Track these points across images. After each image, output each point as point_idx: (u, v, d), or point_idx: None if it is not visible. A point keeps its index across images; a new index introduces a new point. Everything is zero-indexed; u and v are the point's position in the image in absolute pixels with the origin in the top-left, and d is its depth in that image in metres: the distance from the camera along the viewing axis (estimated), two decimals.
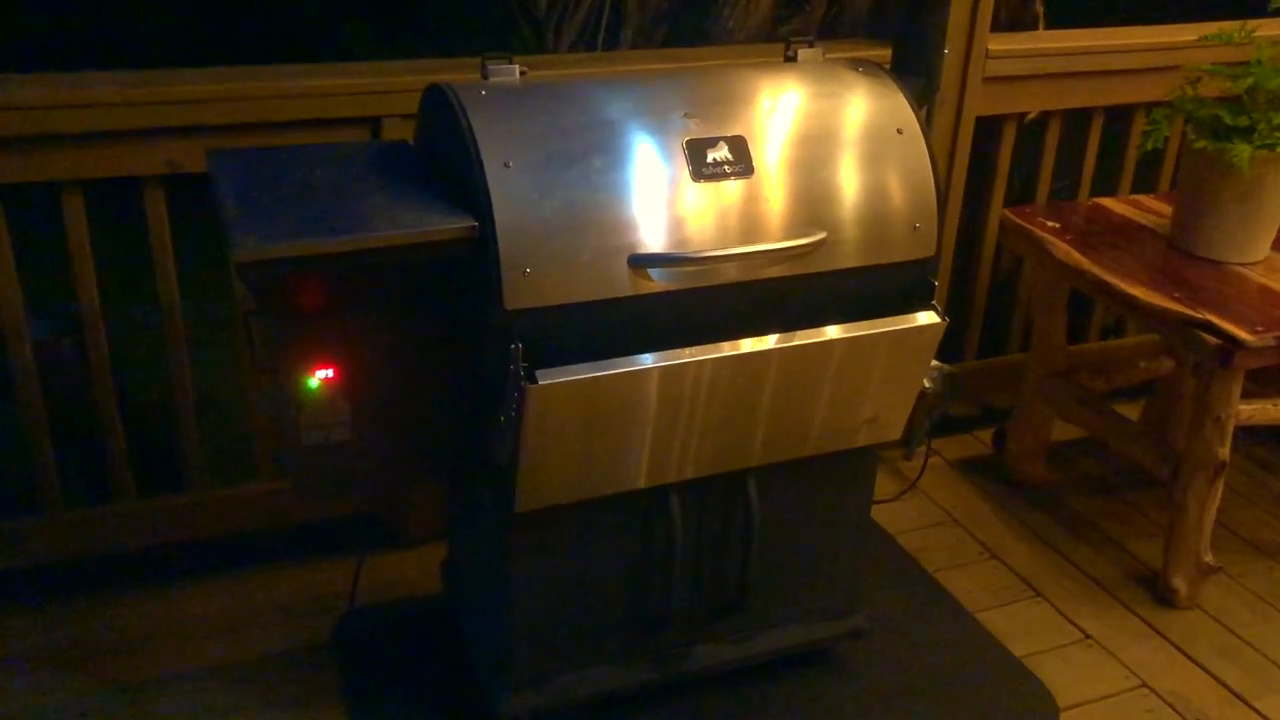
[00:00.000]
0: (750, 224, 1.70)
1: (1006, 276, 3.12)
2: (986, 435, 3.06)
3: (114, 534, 2.33)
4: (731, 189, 1.69)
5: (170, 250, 2.20)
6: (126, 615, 2.30)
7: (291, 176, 1.67)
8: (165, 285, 2.20)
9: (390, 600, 2.37)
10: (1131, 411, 2.98)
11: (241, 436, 2.44)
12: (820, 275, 1.75)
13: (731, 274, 1.69)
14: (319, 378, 1.67)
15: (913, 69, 1.99)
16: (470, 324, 1.70)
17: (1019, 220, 2.69)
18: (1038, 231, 2.63)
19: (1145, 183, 3.09)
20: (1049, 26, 2.96)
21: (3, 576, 2.28)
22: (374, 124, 2.18)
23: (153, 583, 2.37)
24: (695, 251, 1.66)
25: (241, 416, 2.42)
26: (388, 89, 2.17)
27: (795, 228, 1.71)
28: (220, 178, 1.64)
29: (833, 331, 1.77)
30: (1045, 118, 2.91)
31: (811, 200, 1.73)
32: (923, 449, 2.91)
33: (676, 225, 1.66)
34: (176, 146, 2.08)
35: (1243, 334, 2.18)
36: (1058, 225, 2.66)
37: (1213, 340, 2.21)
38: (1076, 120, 2.96)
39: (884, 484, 2.81)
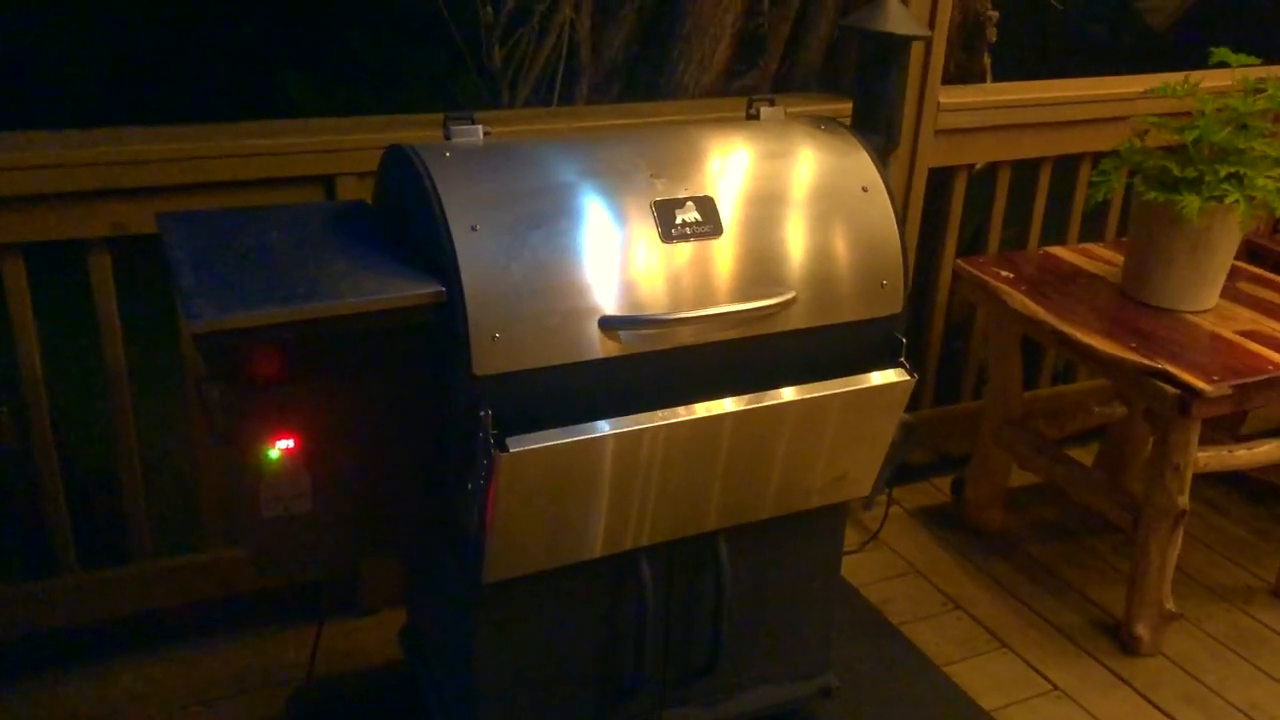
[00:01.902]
0: (719, 284, 1.68)
1: (958, 324, 3.14)
2: (944, 483, 3.06)
3: (56, 609, 2.23)
4: (701, 250, 1.67)
5: (116, 315, 2.12)
6: (72, 696, 2.20)
7: (247, 240, 1.62)
8: (111, 352, 2.13)
9: (348, 670, 2.30)
10: (1084, 455, 3.01)
11: (189, 503, 2.36)
12: (789, 334, 1.74)
13: (700, 335, 1.67)
14: (279, 448, 1.61)
15: (873, 125, 1.99)
16: (435, 390, 1.66)
17: (973, 270, 2.71)
18: (992, 281, 2.65)
19: (1093, 230, 3.14)
20: (995, 79, 3.00)
21: None
22: (328, 182, 2.14)
23: (98, 660, 2.27)
24: (666, 313, 1.64)
25: (190, 481, 2.34)
26: (342, 147, 2.13)
27: (765, 287, 1.70)
28: (173, 243, 1.59)
29: (805, 390, 1.75)
30: (993, 168, 2.95)
31: (780, 259, 1.72)
32: (883, 499, 2.90)
33: (647, 287, 1.63)
34: (123, 208, 2.02)
35: (1200, 383, 2.21)
36: (1011, 275, 2.68)
37: (1171, 390, 2.24)
38: (1024, 170, 3.00)
39: (846, 536, 2.78)
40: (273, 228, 1.67)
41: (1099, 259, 2.82)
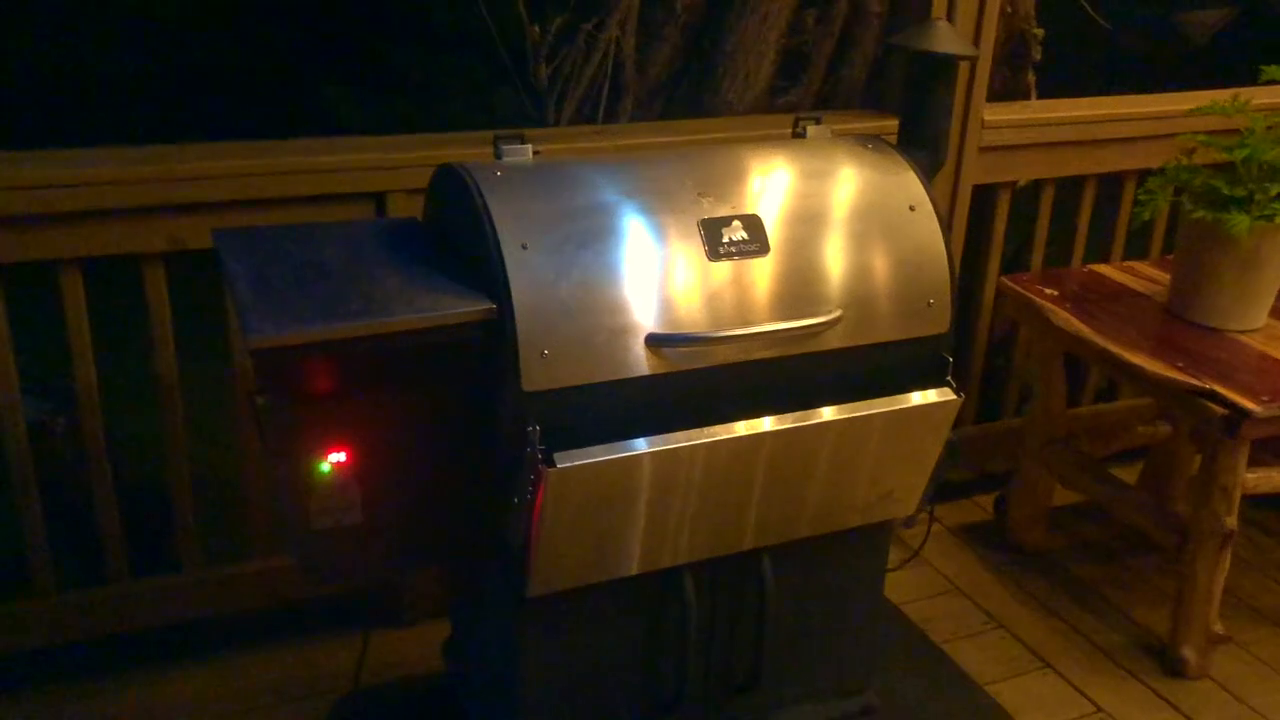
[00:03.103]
0: (766, 302, 1.69)
1: (1000, 341, 3.13)
2: (986, 500, 3.05)
3: (109, 617, 2.27)
4: (747, 268, 1.68)
5: (169, 328, 2.16)
6: (122, 701, 2.24)
7: (302, 256, 1.65)
8: (164, 364, 2.17)
9: (390, 680, 2.32)
10: (1128, 474, 2.98)
11: (238, 513, 2.40)
12: (835, 352, 1.74)
13: (748, 353, 1.68)
14: (331, 462, 1.64)
15: (919, 143, 2.00)
16: (484, 405, 1.68)
17: (1016, 287, 2.70)
18: (1036, 299, 2.64)
19: (1137, 248, 3.12)
20: (1039, 96, 2.99)
21: None
22: (379, 199, 2.17)
23: (149, 666, 2.31)
24: (712, 331, 1.65)
25: (238, 492, 2.37)
26: (393, 165, 2.16)
27: (811, 306, 1.71)
28: (230, 258, 1.62)
29: (847, 410, 1.76)
30: (1037, 185, 2.94)
31: (826, 278, 1.73)
32: (924, 516, 2.89)
33: (693, 305, 1.65)
34: (178, 223, 2.06)
35: (1249, 404, 2.19)
36: (1055, 292, 2.67)
37: (1219, 410, 2.22)
38: (1068, 187, 2.98)
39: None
40: (326, 244, 1.70)
41: (1144, 277, 2.80)
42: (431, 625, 2.43)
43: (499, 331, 1.56)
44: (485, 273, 1.58)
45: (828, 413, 1.75)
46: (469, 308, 1.55)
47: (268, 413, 1.66)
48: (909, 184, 1.82)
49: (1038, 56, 2.92)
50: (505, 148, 1.70)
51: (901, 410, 1.79)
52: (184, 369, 2.22)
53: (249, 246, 1.67)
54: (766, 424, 1.71)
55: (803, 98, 2.72)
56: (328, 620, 2.42)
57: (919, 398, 1.81)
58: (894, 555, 2.79)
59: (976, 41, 2.58)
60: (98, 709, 2.21)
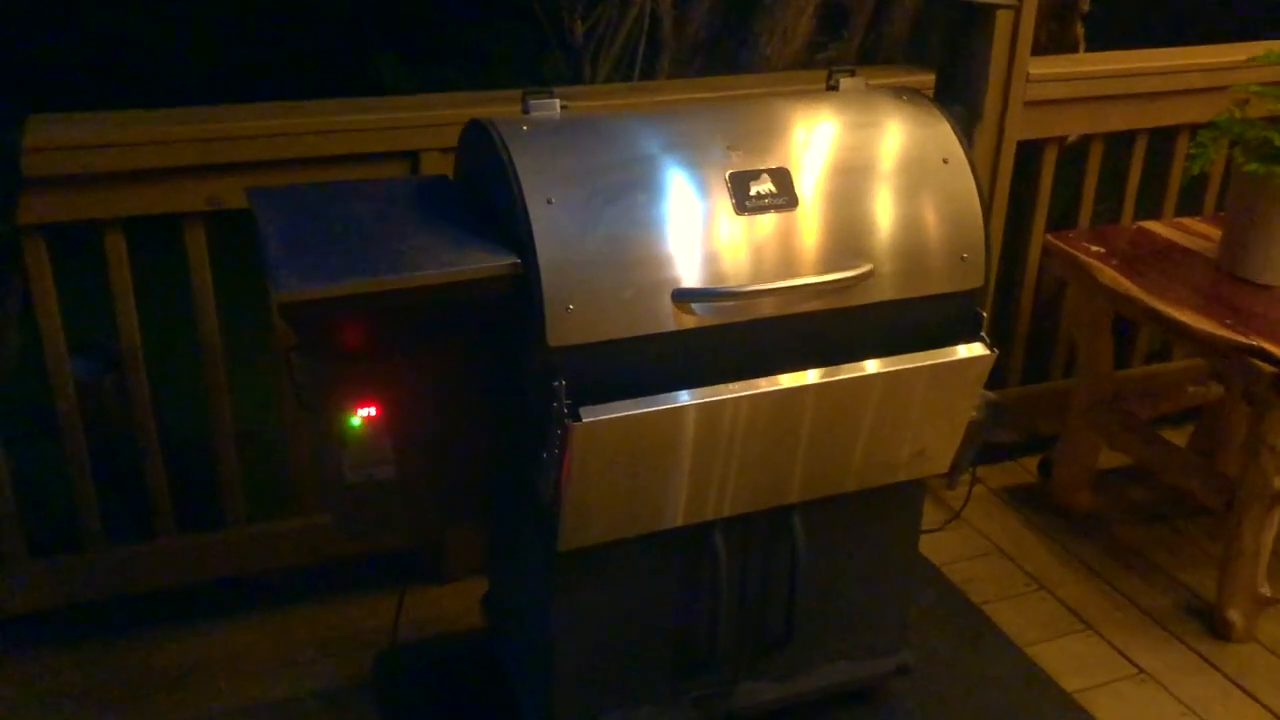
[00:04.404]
0: (794, 257, 1.68)
1: (1048, 301, 3.08)
2: (1030, 462, 3.01)
3: (155, 571, 2.32)
4: (775, 222, 1.67)
5: (210, 287, 2.20)
6: (167, 653, 2.30)
7: (333, 213, 1.67)
8: (205, 323, 2.21)
9: (430, 636, 2.35)
10: (1178, 437, 2.92)
11: (281, 471, 2.44)
12: (866, 307, 1.73)
13: (775, 308, 1.67)
14: (361, 416, 1.66)
15: (956, 96, 1.96)
16: (512, 360, 1.69)
17: (1063, 245, 2.65)
18: (1082, 257, 2.59)
19: (1190, 205, 3.04)
20: (1089, 49, 2.92)
21: (45, 615, 2.27)
22: (413, 158, 2.18)
23: (194, 620, 2.37)
24: (739, 286, 1.64)
25: (281, 451, 2.41)
26: (426, 123, 2.16)
27: (840, 260, 1.69)
28: (263, 216, 1.64)
29: (879, 365, 1.74)
30: (1085, 141, 2.87)
31: (857, 232, 1.71)
32: (966, 477, 2.85)
33: (720, 259, 1.64)
34: (218, 183, 2.08)
35: None
36: (1102, 250, 2.62)
37: (1268, 368, 2.16)
38: (1118, 142, 2.92)
39: (928, 513, 2.74)
40: (357, 202, 1.71)
41: (1195, 234, 2.73)
42: (471, 581, 2.46)
43: (524, 286, 1.57)
44: (511, 228, 1.58)
45: (866, 366, 1.73)
46: (494, 263, 1.55)
47: (300, 368, 1.69)
48: (943, 136, 1.79)
49: (1086, 8, 2.85)
50: (533, 103, 1.70)
51: (937, 365, 1.77)
52: (228, 327, 2.26)
53: (281, 205, 1.69)
54: (794, 380, 1.69)
55: (843, 54, 2.68)
56: (368, 577, 2.46)
57: (954, 353, 1.78)
58: (935, 516, 2.79)
59: None
60: (142, 661, 2.27)
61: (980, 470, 2.92)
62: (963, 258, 1.76)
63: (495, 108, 2.13)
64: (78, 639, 2.30)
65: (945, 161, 1.77)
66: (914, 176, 1.76)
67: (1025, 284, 2.93)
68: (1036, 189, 2.85)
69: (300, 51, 4.67)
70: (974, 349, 1.79)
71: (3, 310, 2.05)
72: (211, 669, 2.26)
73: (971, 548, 2.72)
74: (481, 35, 4.52)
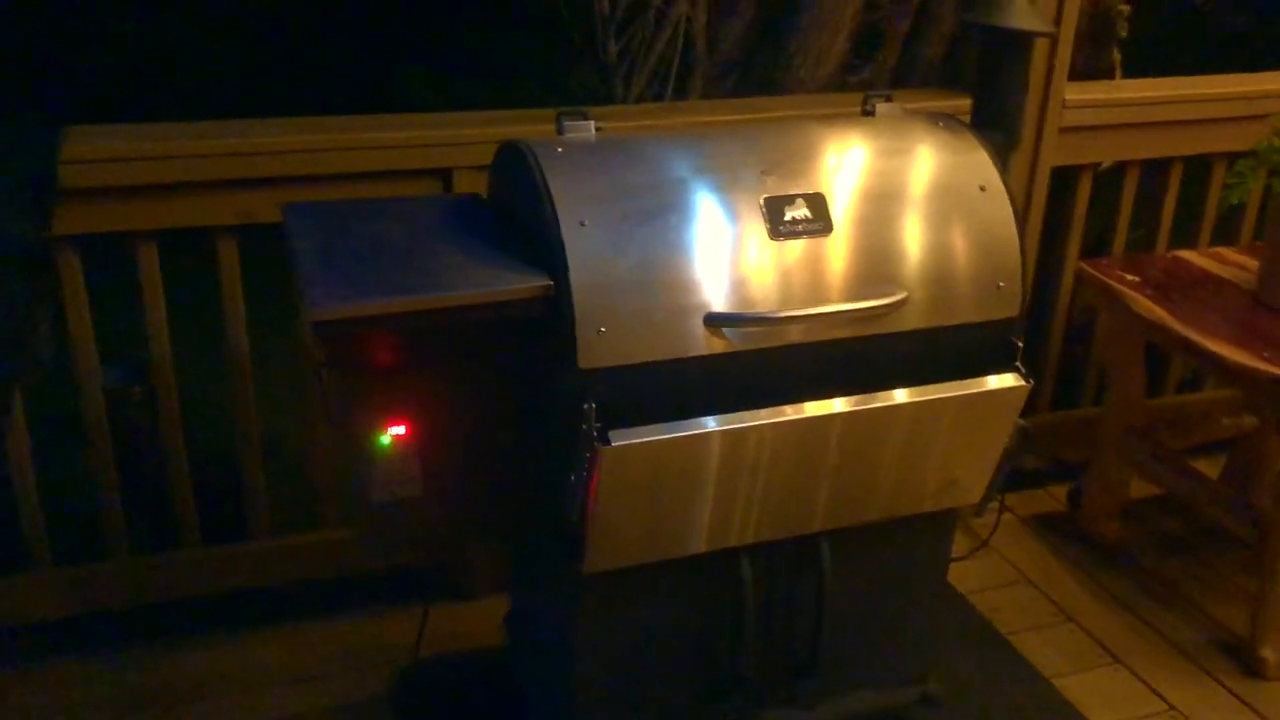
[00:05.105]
0: (828, 283, 1.66)
1: (1078, 328, 3.05)
2: (1059, 490, 2.98)
3: (178, 581, 2.32)
4: (810, 247, 1.65)
5: (241, 300, 2.20)
6: (191, 663, 2.30)
7: (366, 230, 1.67)
8: (234, 334, 2.21)
9: (452, 652, 2.34)
10: (1210, 468, 2.88)
11: (306, 484, 2.44)
12: (900, 335, 1.71)
13: (808, 334, 1.66)
14: (391, 434, 1.65)
15: (993, 123, 1.94)
16: (541, 381, 1.68)
17: (1096, 273, 2.63)
18: (1116, 285, 2.56)
19: (1226, 234, 3.01)
20: (1127, 75, 2.90)
21: (70, 622, 2.28)
22: (445, 176, 2.18)
23: (218, 630, 2.37)
24: (772, 311, 1.63)
25: (306, 464, 2.41)
26: (459, 141, 2.17)
27: (875, 287, 1.67)
28: (295, 232, 1.64)
29: (910, 394, 1.72)
30: (1120, 167, 2.85)
31: (892, 259, 1.70)
32: (994, 505, 2.83)
33: (753, 284, 1.62)
34: (251, 197, 2.09)
35: None
36: (1137, 278, 2.59)
37: None
38: (1152, 169, 2.89)
39: (955, 541, 2.73)
40: (390, 220, 1.71)
41: (1232, 264, 2.70)
42: (494, 599, 2.44)
43: (556, 308, 1.56)
44: (544, 249, 1.57)
45: (894, 396, 1.71)
46: (526, 284, 1.55)
47: (331, 385, 1.69)
48: (980, 163, 1.77)
49: (1124, 34, 2.83)
50: (567, 124, 1.69)
51: (969, 395, 1.75)
52: (256, 341, 2.26)
53: (314, 221, 1.69)
54: (830, 406, 1.68)
55: (877, 76, 2.67)
56: (391, 591, 2.45)
57: (987, 383, 1.76)
58: (962, 544, 2.75)
59: (1058, 18, 2.50)
60: (164, 671, 2.27)
61: (1008, 498, 2.89)
62: (999, 286, 1.74)
63: (528, 127, 2.13)
64: (99, 648, 2.30)
65: (982, 189, 1.75)
66: (950, 203, 1.74)
67: (1056, 311, 2.91)
68: (1070, 215, 2.82)
69: (328, 65, 4.69)
70: (1008, 379, 1.76)
71: (36, 319, 2.06)
72: (231, 681, 2.26)
73: (998, 576, 2.69)
74: (508, 51, 4.54)
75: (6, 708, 2.17)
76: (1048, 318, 2.91)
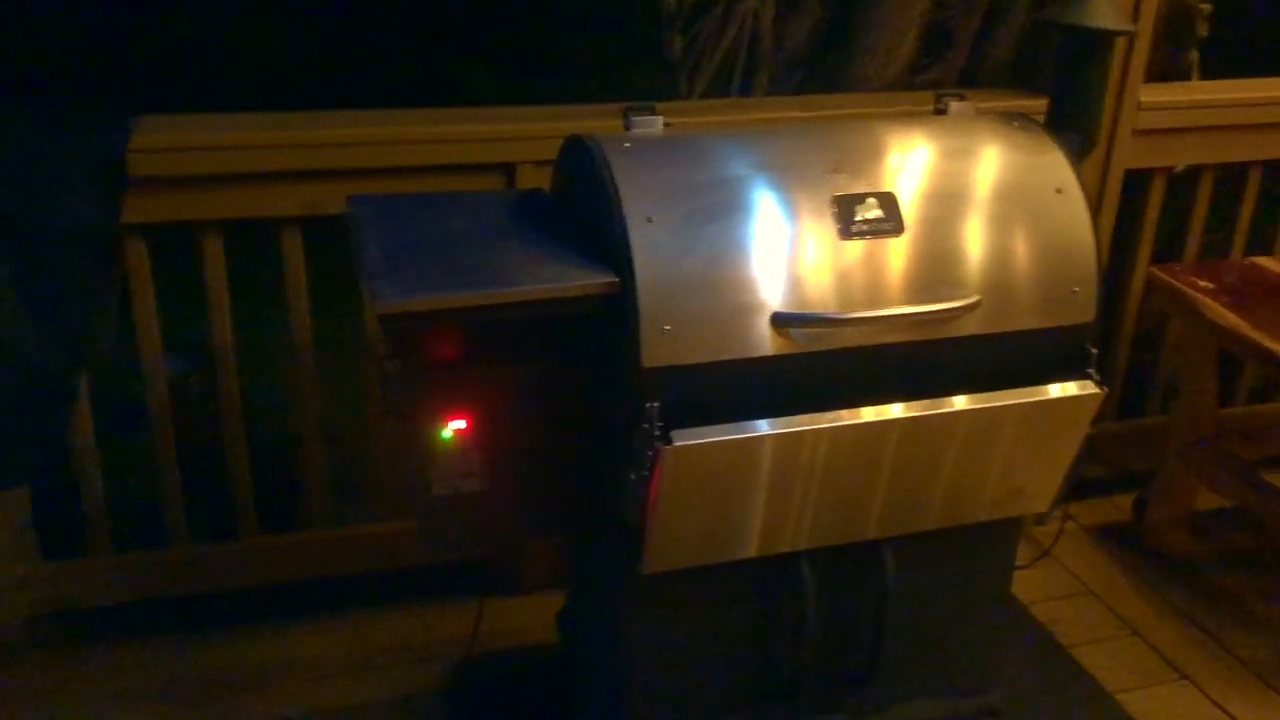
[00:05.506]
0: (899, 284, 1.63)
1: (1147, 334, 2.98)
2: (1124, 500, 2.91)
3: (236, 570, 2.34)
4: (880, 248, 1.62)
5: (304, 290, 2.21)
6: (245, 653, 2.31)
7: (431, 225, 1.66)
8: (298, 325, 2.22)
9: (505, 648, 2.33)
10: None
11: (367, 476, 2.44)
12: (968, 339, 1.67)
13: (873, 336, 1.62)
14: (452, 428, 1.64)
15: (1068, 123, 1.89)
16: (604, 379, 1.66)
17: (1168, 278, 2.56)
18: (1189, 291, 2.49)
19: None
20: (1204, 77, 2.82)
21: (125, 609, 2.30)
22: (509, 170, 2.17)
23: (272, 620, 2.38)
24: (841, 312, 1.60)
25: (367, 456, 2.41)
26: (523, 135, 2.16)
27: (947, 290, 1.64)
28: (361, 225, 1.63)
29: (975, 400, 1.68)
30: (1195, 171, 2.78)
31: (962, 261, 1.66)
32: (1057, 514, 2.78)
33: (822, 284, 1.59)
34: (315, 189, 2.09)
35: None
36: (1211, 285, 2.52)
37: None
38: (1229, 173, 2.81)
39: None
40: (454, 214, 1.71)
41: None
42: (548, 595, 2.43)
43: (621, 305, 1.54)
44: (609, 245, 1.56)
45: (960, 402, 1.67)
46: (591, 280, 1.53)
47: (394, 378, 1.68)
48: (1056, 165, 1.73)
49: (1203, 33, 2.75)
50: (635, 119, 1.67)
51: (1039, 402, 1.71)
52: (319, 332, 2.27)
53: (380, 213, 1.69)
54: (894, 411, 1.65)
55: (945, 75, 2.62)
56: (446, 585, 2.45)
57: (1058, 390, 1.72)
58: (1024, 553, 2.70)
59: (1135, 16, 2.44)
60: (217, 661, 2.29)
61: (1071, 507, 2.83)
62: (1074, 291, 1.70)
63: (593, 122, 2.12)
64: (155, 635, 2.32)
65: (1059, 191, 1.71)
66: (1025, 206, 1.70)
67: (1126, 317, 2.84)
68: (1142, 219, 2.76)
69: (387, 58, 4.70)
70: (1082, 386, 1.72)
71: (103, 306, 2.08)
72: (286, 671, 2.27)
73: (1060, 587, 2.64)
74: (567, 46, 4.52)
75: (66, 693, 2.19)
76: (1117, 323, 2.84)
